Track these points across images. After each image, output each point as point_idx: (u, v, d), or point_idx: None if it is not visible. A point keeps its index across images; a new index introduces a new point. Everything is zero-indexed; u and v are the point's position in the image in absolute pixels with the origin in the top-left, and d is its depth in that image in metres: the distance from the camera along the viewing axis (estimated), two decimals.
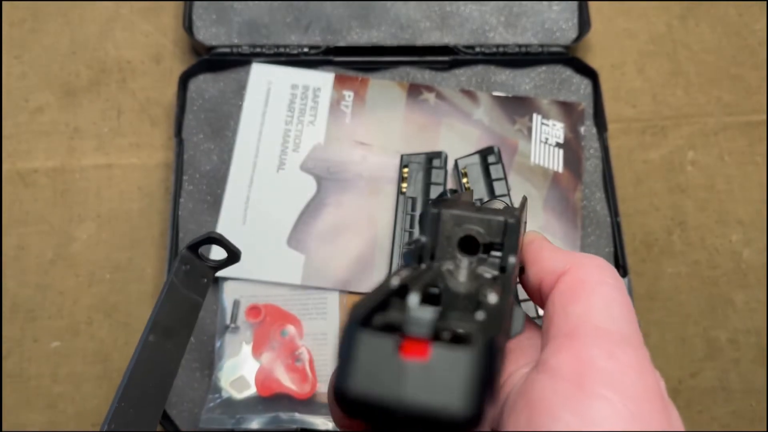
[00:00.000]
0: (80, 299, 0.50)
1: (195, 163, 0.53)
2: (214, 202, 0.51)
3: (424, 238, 0.20)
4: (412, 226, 0.49)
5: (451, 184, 0.51)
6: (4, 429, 0.47)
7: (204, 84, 0.55)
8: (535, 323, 0.24)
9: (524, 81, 0.56)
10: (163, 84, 0.56)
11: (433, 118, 0.54)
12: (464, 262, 0.19)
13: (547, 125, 0.54)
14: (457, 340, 0.15)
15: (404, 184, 0.50)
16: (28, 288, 0.50)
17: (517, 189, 0.51)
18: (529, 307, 0.40)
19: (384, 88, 0.55)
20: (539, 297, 0.22)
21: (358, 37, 0.57)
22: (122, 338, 0.49)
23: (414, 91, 0.54)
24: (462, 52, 0.56)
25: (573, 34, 0.57)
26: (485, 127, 0.54)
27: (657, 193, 0.55)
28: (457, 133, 0.53)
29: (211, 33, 0.56)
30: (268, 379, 0.46)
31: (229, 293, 0.48)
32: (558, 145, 0.53)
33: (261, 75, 0.54)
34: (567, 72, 0.56)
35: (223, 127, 0.54)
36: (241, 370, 0.46)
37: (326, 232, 0.50)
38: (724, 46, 0.59)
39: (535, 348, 0.22)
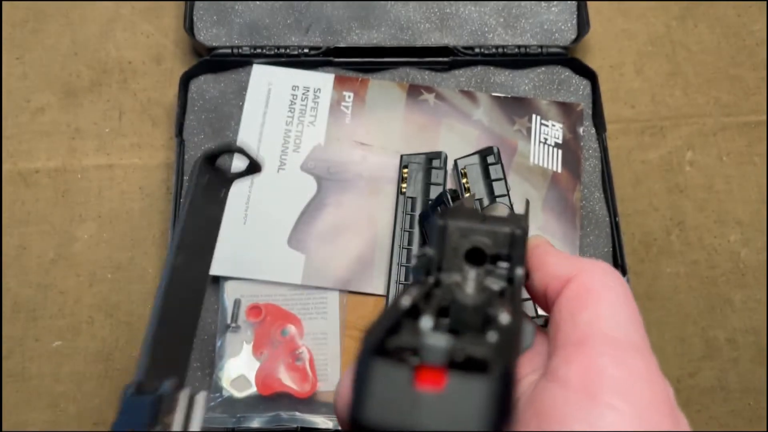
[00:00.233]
0: (81, 299, 0.50)
1: None
2: None
3: (430, 251, 0.20)
4: (412, 226, 0.50)
5: (450, 185, 0.51)
6: (5, 428, 0.47)
7: (205, 85, 0.55)
8: (540, 329, 0.24)
9: (523, 82, 0.56)
10: (164, 84, 0.56)
11: (432, 119, 0.54)
12: (471, 273, 0.19)
13: (546, 126, 0.54)
14: (473, 364, 0.15)
15: (404, 185, 0.51)
16: (29, 288, 0.50)
17: (516, 189, 0.51)
18: (528, 306, 0.40)
19: (384, 88, 0.55)
20: (544, 302, 0.22)
21: (358, 38, 0.57)
22: (123, 338, 0.49)
23: (414, 91, 0.55)
24: (461, 53, 0.56)
25: (572, 34, 0.58)
26: (485, 128, 0.54)
27: (656, 194, 0.55)
28: (457, 134, 0.53)
29: (211, 34, 0.56)
30: (268, 379, 0.46)
31: (230, 293, 0.48)
32: (557, 145, 0.54)
33: (261, 76, 0.54)
34: (566, 73, 0.57)
35: (224, 127, 0.54)
36: (241, 369, 0.46)
37: (326, 232, 0.50)
38: (723, 46, 0.60)
39: (541, 355, 0.22)
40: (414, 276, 0.20)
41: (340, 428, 0.45)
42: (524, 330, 0.20)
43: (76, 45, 0.57)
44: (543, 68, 0.57)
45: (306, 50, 0.55)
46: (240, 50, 0.55)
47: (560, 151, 0.54)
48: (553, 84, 0.56)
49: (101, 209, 0.53)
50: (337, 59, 0.56)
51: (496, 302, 0.17)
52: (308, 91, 0.54)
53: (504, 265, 0.20)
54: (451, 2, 0.58)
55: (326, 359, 0.47)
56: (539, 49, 0.56)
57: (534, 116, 0.54)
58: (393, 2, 0.58)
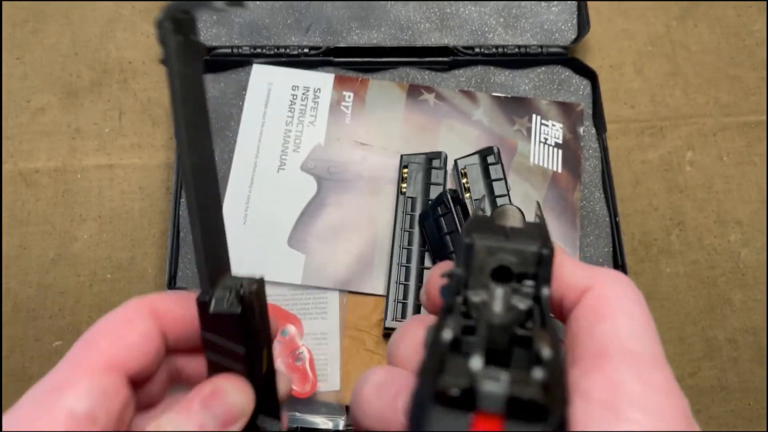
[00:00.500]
0: (82, 299, 0.50)
1: None
2: None
3: (459, 271, 0.19)
4: (412, 226, 0.50)
5: (450, 185, 0.51)
6: (5, 429, 0.47)
7: (205, 84, 0.55)
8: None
9: (523, 81, 0.56)
10: (164, 84, 0.56)
11: (432, 119, 0.54)
12: (499, 292, 0.19)
13: (547, 125, 0.54)
14: (528, 408, 0.15)
15: (404, 184, 0.51)
16: (29, 288, 0.50)
17: (516, 189, 0.51)
18: None
19: (384, 88, 0.55)
20: (559, 311, 0.22)
21: (358, 38, 0.57)
22: None
23: (414, 91, 0.55)
24: (461, 53, 0.56)
25: (572, 34, 0.58)
26: (485, 128, 0.54)
27: (656, 194, 0.55)
28: (457, 134, 0.53)
29: (211, 34, 0.57)
30: None
31: None
32: (557, 145, 0.54)
33: (261, 76, 0.54)
34: (566, 72, 0.57)
35: (224, 127, 0.54)
36: None
37: (326, 232, 0.50)
38: (723, 46, 0.60)
39: None
40: (444, 297, 0.20)
41: (351, 428, 0.45)
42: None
43: (76, 45, 0.57)
44: (543, 68, 0.57)
45: (306, 50, 0.55)
46: (240, 50, 0.55)
47: (560, 151, 0.54)
48: (553, 84, 0.56)
49: (101, 209, 0.53)
50: (337, 59, 0.56)
51: (539, 341, 0.16)
52: (308, 91, 0.54)
53: (529, 283, 0.20)
54: (451, 2, 0.58)
55: (326, 359, 0.47)
56: (539, 49, 0.56)
57: (534, 116, 0.54)
58: (393, 2, 0.58)
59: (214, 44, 0.56)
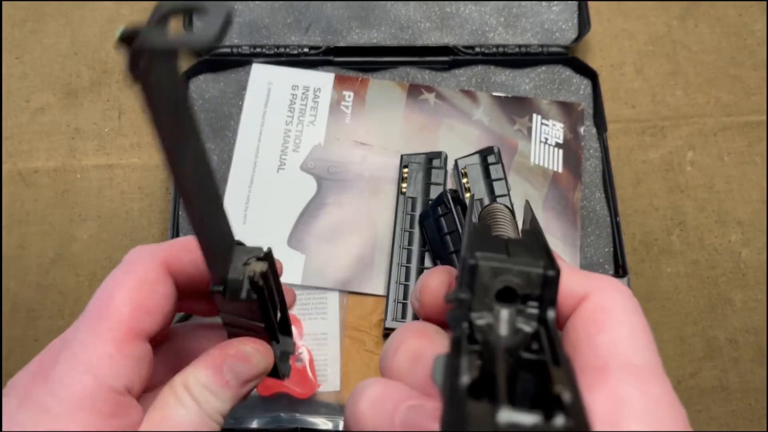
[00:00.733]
0: (81, 299, 0.50)
1: None
2: None
3: (464, 295, 0.19)
4: (412, 226, 0.50)
5: (450, 184, 0.51)
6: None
7: (204, 84, 0.55)
8: None
9: (524, 81, 0.56)
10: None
11: (433, 118, 0.54)
12: (504, 314, 0.19)
13: (547, 125, 0.54)
14: None
15: (404, 184, 0.51)
16: (29, 288, 0.50)
17: (516, 189, 0.51)
18: None
19: (384, 88, 0.55)
20: (556, 319, 0.22)
21: (358, 37, 0.57)
22: None
23: (414, 91, 0.55)
24: (462, 53, 0.56)
25: (572, 34, 0.58)
26: (485, 127, 0.54)
27: (656, 194, 0.55)
28: (457, 133, 0.53)
29: None
30: (268, 379, 0.46)
31: None
32: (557, 145, 0.54)
33: (261, 75, 0.54)
34: (566, 72, 0.56)
35: (224, 127, 0.54)
36: None
37: (326, 232, 0.50)
38: (724, 46, 0.59)
39: None
40: (451, 324, 0.20)
41: (343, 430, 0.45)
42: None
43: (76, 45, 0.57)
44: (543, 68, 0.56)
45: (306, 50, 0.55)
46: (240, 49, 0.55)
47: (561, 151, 0.53)
48: (554, 83, 0.56)
49: (101, 209, 0.53)
50: (337, 59, 0.56)
51: (559, 385, 0.16)
52: (308, 90, 0.54)
53: (534, 304, 0.19)
54: (452, 2, 0.58)
55: (326, 360, 0.47)
56: (540, 49, 0.56)
57: (534, 116, 0.54)
58: (393, 2, 0.58)
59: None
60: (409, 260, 0.49)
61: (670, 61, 0.59)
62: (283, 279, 0.49)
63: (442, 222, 0.47)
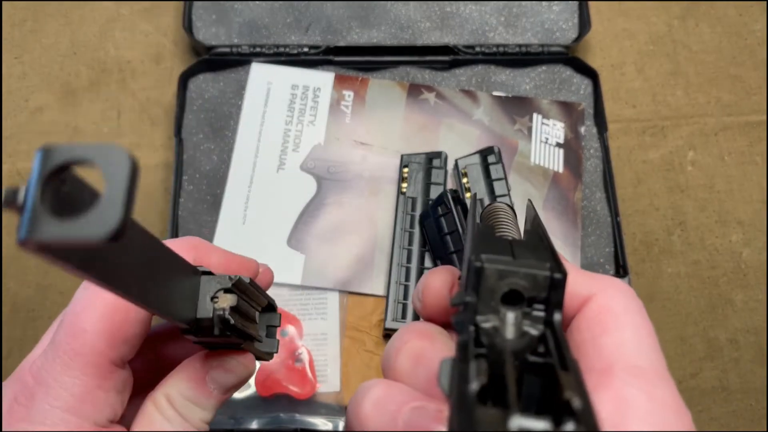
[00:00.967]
0: None
1: (195, 163, 0.53)
2: (214, 202, 0.51)
3: (470, 298, 0.19)
4: (412, 226, 0.49)
5: (451, 184, 0.51)
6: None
7: (204, 84, 0.55)
8: None
9: (524, 81, 0.56)
10: (163, 84, 0.56)
11: (433, 118, 0.54)
12: (510, 317, 0.19)
13: (548, 125, 0.54)
14: None
15: (404, 184, 0.50)
16: (29, 288, 0.50)
17: (517, 189, 0.51)
18: None
19: (384, 88, 0.55)
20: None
21: (358, 37, 0.57)
22: None
23: (414, 91, 0.54)
24: (462, 52, 0.56)
25: (573, 34, 0.57)
26: (485, 127, 0.54)
27: (657, 193, 0.55)
28: (457, 133, 0.53)
29: (210, 33, 0.56)
30: (268, 380, 0.46)
31: None
32: (558, 145, 0.53)
33: (261, 75, 0.54)
34: (567, 72, 0.56)
35: (223, 126, 0.54)
36: None
37: (326, 232, 0.50)
38: (724, 46, 0.59)
39: None
40: (458, 328, 0.20)
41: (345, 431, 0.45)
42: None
43: (75, 45, 0.57)
44: (544, 67, 0.56)
45: (306, 49, 0.55)
46: (239, 49, 0.55)
47: (561, 151, 0.53)
48: (554, 83, 0.56)
49: None
50: (337, 58, 0.55)
51: (568, 391, 0.16)
52: (308, 90, 0.54)
53: (540, 307, 0.19)
54: (452, 1, 0.58)
55: (326, 360, 0.47)
56: (540, 48, 0.56)
57: (535, 116, 0.54)
58: (393, 1, 0.58)
59: (213, 43, 0.56)
60: (409, 260, 0.48)
61: (670, 61, 0.59)
62: (282, 279, 0.49)
63: (442, 222, 0.47)
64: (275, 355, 0.28)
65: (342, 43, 0.56)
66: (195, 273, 0.22)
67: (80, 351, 0.22)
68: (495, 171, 0.50)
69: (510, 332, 0.18)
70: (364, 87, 0.54)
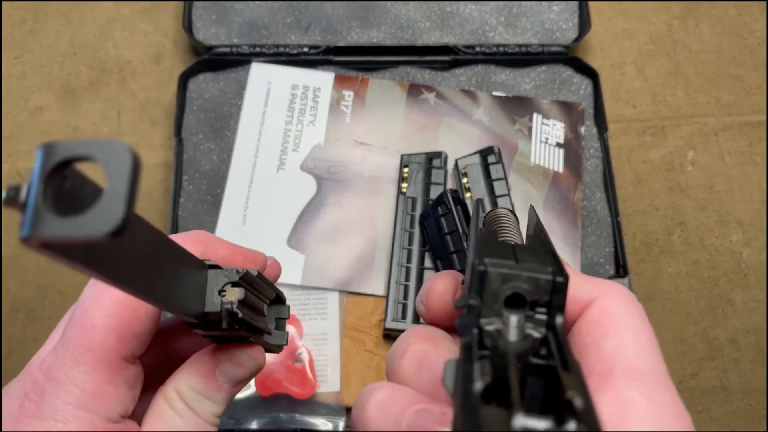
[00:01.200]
0: None
1: (195, 163, 0.53)
2: (214, 202, 0.51)
3: (474, 301, 0.19)
4: (412, 226, 0.49)
5: (451, 184, 0.51)
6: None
7: (204, 84, 0.55)
8: None
9: (524, 81, 0.56)
10: (163, 84, 0.56)
11: (433, 118, 0.54)
12: (513, 320, 0.19)
13: (548, 125, 0.54)
14: None
15: (404, 184, 0.50)
16: (28, 288, 0.50)
17: (517, 189, 0.51)
18: None
19: (384, 87, 0.55)
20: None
21: (358, 37, 0.57)
22: None
23: (414, 90, 0.54)
24: (462, 52, 0.56)
25: (573, 34, 0.57)
26: (485, 127, 0.54)
27: (657, 193, 0.55)
28: (457, 133, 0.53)
29: (210, 33, 0.56)
30: (267, 380, 0.46)
31: None
32: (558, 145, 0.53)
33: (261, 75, 0.54)
34: (567, 72, 0.56)
35: (223, 126, 0.54)
36: None
37: (326, 232, 0.50)
38: (724, 46, 0.59)
39: None
40: (461, 330, 0.20)
41: (349, 430, 0.45)
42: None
43: (75, 45, 0.57)
44: (544, 67, 0.56)
45: (306, 49, 0.55)
46: (239, 49, 0.55)
47: (561, 151, 0.53)
48: (554, 83, 0.56)
49: None
50: (337, 58, 0.55)
51: (571, 392, 0.16)
52: (308, 90, 0.54)
53: (542, 310, 0.19)
54: (452, 1, 0.58)
55: (326, 360, 0.47)
56: (540, 48, 0.56)
57: (535, 115, 0.54)
58: (393, 1, 0.58)
59: (213, 43, 0.56)
60: (409, 260, 0.48)
61: (670, 61, 0.59)
62: (282, 279, 0.49)
63: (442, 222, 0.46)
64: (275, 355, 0.28)
65: (342, 43, 0.56)
66: (202, 267, 0.22)
67: (90, 347, 0.22)
68: (495, 171, 0.50)
69: (513, 335, 0.19)
70: (364, 87, 0.54)
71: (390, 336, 0.48)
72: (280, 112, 0.53)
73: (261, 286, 0.24)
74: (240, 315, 0.22)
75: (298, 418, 0.45)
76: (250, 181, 0.51)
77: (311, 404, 0.46)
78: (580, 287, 0.21)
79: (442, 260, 0.47)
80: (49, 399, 0.21)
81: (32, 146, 0.54)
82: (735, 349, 0.51)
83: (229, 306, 0.21)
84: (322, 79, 0.54)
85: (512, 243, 0.23)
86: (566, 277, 0.19)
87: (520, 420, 0.15)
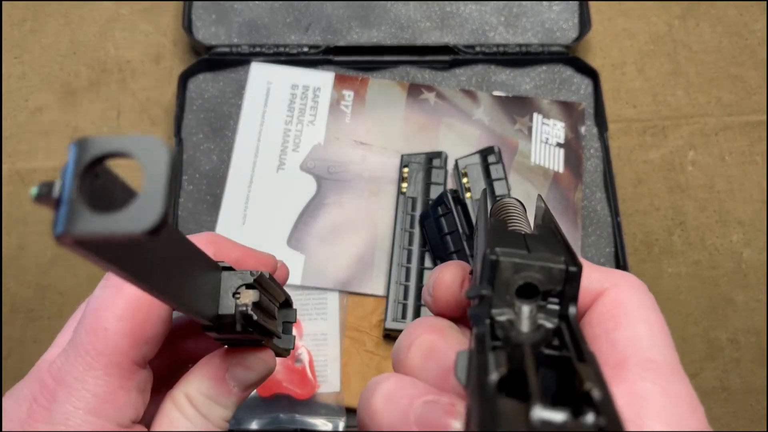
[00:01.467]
0: (80, 299, 0.50)
1: (195, 162, 0.52)
2: (214, 202, 0.51)
3: (486, 291, 0.19)
4: (412, 226, 0.49)
5: (451, 184, 0.51)
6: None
7: (203, 84, 0.55)
8: None
9: (524, 81, 0.56)
10: (162, 84, 0.56)
11: (433, 118, 0.54)
12: (525, 310, 0.19)
13: (548, 125, 0.54)
14: None
15: (404, 184, 0.50)
16: (28, 288, 0.50)
17: (517, 189, 0.51)
18: None
19: (384, 87, 0.55)
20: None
21: (358, 36, 0.57)
22: None
23: (414, 90, 0.54)
24: (462, 52, 0.56)
25: (573, 33, 0.57)
26: (485, 127, 0.54)
27: (657, 193, 0.55)
28: (457, 133, 0.53)
29: (210, 33, 0.56)
30: (267, 380, 0.46)
31: None
32: (558, 144, 0.53)
33: (261, 74, 0.54)
34: (567, 72, 0.56)
35: (223, 126, 0.54)
36: None
37: (326, 232, 0.50)
38: (724, 46, 0.59)
39: None
40: (474, 321, 0.19)
41: (351, 430, 0.45)
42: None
43: (75, 45, 0.57)
44: (544, 67, 0.56)
45: (306, 49, 0.55)
46: (239, 49, 0.55)
47: (562, 151, 0.53)
48: (555, 83, 0.56)
49: None
50: (336, 58, 0.55)
51: (589, 384, 0.16)
52: (308, 89, 0.54)
53: (555, 300, 0.19)
54: (452, 1, 0.58)
55: (326, 360, 0.47)
56: (540, 48, 0.56)
57: (535, 115, 0.54)
58: (393, 1, 0.58)
59: (212, 43, 0.55)
60: (409, 260, 0.48)
61: (671, 61, 0.59)
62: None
63: (442, 222, 0.46)
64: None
65: (342, 43, 0.56)
66: (216, 268, 0.22)
67: (103, 351, 0.21)
68: (495, 171, 0.50)
69: (525, 325, 0.18)
70: (364, 87, 0.54)
71: (390, 336, 0.48)
72: (280, 111, 0.53)
73: (273, 288, 0.24)
74: (254, 318, 0.21)
75: (298, 418, 0.45)
76: (250, 181, 0.51)
77: (311, 404, 0.46)
78: (591, 277, 0.21)
79: (442, 260, 0.47)
80: (60, 404, 0.21)
81: (32, 146, 0.54)
82: (735, 349, 0.51)
83: (244, 308, 0.21)
84: (322, 78, 0.54)
85: (522, 232, 0.23)
86: (580, 267, 0.19)
87: (539, 412, 0.15)
